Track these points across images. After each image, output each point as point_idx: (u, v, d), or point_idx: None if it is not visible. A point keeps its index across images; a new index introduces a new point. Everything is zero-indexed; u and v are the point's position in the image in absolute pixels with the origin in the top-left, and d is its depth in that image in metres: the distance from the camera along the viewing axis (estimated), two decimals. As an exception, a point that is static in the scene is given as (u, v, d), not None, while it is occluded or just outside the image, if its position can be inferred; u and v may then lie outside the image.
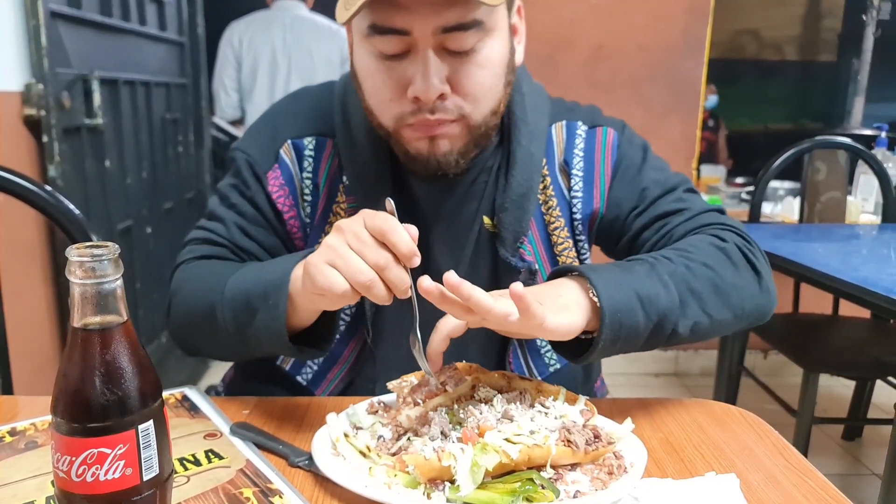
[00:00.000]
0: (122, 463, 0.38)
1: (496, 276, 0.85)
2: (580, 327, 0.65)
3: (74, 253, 0.38)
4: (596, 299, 0.65)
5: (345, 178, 0.83)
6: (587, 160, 0.87)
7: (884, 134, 2.73)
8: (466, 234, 0.85)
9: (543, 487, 0.57)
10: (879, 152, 2.58)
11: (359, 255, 0.60)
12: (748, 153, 4.05)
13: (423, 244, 0.82)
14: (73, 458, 0.38)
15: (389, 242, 0.59)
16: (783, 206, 2.75)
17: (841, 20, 4.95)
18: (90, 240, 1.00)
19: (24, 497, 0.55)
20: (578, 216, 0.86)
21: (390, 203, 0.64)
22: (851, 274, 1.43)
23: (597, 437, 0.63)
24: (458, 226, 0.85)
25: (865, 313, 2.01)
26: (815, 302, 2.14)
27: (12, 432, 0.66)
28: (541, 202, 0.85)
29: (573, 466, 0.61)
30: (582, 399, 0.68)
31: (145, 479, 0.39)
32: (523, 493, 0.55)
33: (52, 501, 0.55)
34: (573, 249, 0.88)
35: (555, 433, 0.61)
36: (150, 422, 0.39)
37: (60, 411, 0.38)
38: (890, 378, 2.02)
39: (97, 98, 1.88)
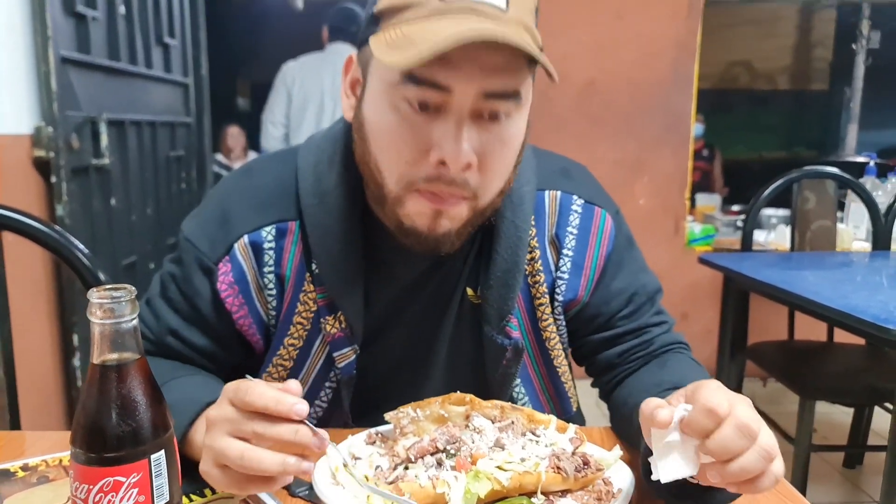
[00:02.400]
0: (135, 491, 0.41)
1: (480, 349, 0.81)
2: None
3: (95, 295, 0.41)
4: None
5: (314, 266, 0.76)
6: (580, 241, 0.83)
7: (872, 162, 2.78)
8: (447, 308, 0.81)
9: (534, 513, 0.59)
10: (868, 180, 2.63)
11: (238, 438, 0.53)
12: (744, 182, 4.12)
13: (400, 322, 0.81)
14: (91, 487, 0.41)
15: (260, 409, 0.53)
16: (776, 235, 2.79)
17: (831, 50, 5.07)
18: (97, 277, 1.04)
19: (37, 528, 0.58)
20: (560, 298, 0.82)
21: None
22: (841, 302, 1.46)
23: (586, 463, 0.65)
24: (439, 301, 0.80)
25: (861, 340, 2.03)
26: (810, 329, 2.16)
27: (25, 468, 0.69)
28: (527, 273, 0.81)
29: (564, 493, 0.64)
30: (572, 428, 0.70)
31: (157, 506, 0.42)
32: (514, 518, 0.57)
33: (63, 532, 0.57)
34: (554, 326, 0.84)
35: (545, 460, 0.63)
36: (162, 451, 0.42)
37: (79, 442, 0.41)
38: (886, 404, 2.03)
39: (104, 139, 1.94)
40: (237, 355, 0.82)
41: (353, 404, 0.81)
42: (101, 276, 1.03)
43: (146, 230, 2.36)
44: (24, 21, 1.69)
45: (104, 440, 0.41)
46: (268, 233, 0.77)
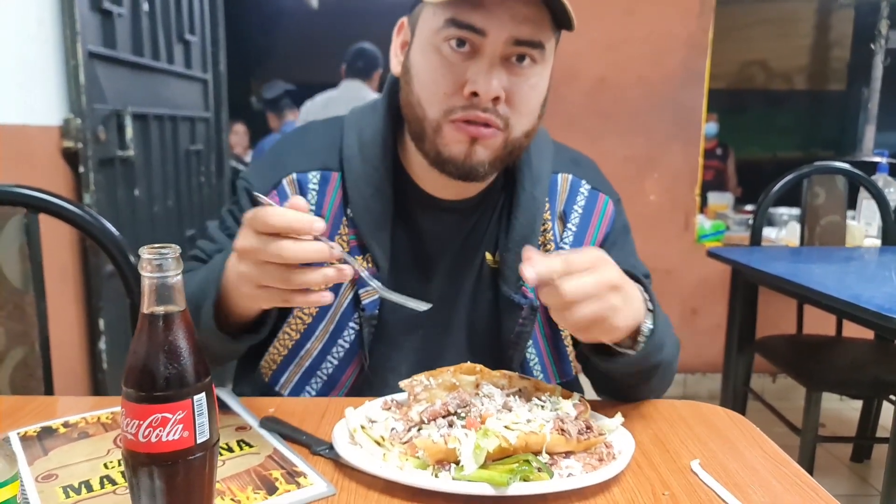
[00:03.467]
0: (180, 427, 0.46)
1: (497, 309, 0.89)
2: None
3: (146, 252, 0.47)
4: (648, 326, 0.74)
5: (348, 211, 0.85)
6: (584, 218, 0.92)
7: (885, 160, 2.79)
8: (468, 269, 0.89)
9: (540, 470, 0.63)
10: (881, 178, 2.64)
11: (266, 260, 0.63)
12: (759, 182, 4.09)
13: (425, 276, 0.89)
14: (141, 422, 0.46)
15: (281, 229, 0.62)
16: (787, 231, 2.81)
17: (849, 49, 5.04)
18: (127, 258, 1.09)
19: (80, 476, 0.63)
20: None
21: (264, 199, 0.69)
22: (847, 293, 1.49)
23: (589, 428, 0.70)
24: (461, 260, 0.89)
25: (869, 335, 2.05)
26: (819, 324, 2.18)
27: (66, 425, 0.74)
28: (540, 244, 0.90)
29: (567, 454, 0.68)
30: (576, 396, 0.75)
31: (198, 441, 0.47)
32: (520, 472, 0.62)
33: (104, 480, 0.63)
34: None
35: (549, 423, 0.68)
36: (203, 394, 0.47)
37: (131, 382, 0.46)
38: (892, 396, 2.05)
39: (129, 131, 2.00)
40: None
41: (373, 357, 0.87)
42: (131, 257, 1.09)
43: (168, 221, 2.42)
44: (54, 17, 1.76)
45: (153, 380, 0.46)
46: (313, 176, 0.87)
